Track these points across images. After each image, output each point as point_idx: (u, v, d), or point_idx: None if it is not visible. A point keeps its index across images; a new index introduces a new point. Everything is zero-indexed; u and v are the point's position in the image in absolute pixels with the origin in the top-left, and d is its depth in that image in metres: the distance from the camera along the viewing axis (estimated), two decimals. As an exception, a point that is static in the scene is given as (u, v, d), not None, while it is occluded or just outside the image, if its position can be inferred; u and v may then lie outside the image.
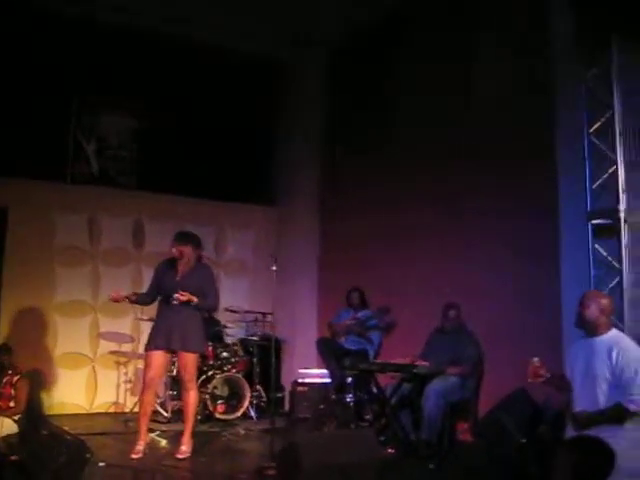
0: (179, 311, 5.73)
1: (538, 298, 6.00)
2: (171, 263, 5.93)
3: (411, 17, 7.83)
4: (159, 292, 5.91)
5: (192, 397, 5.90)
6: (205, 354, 7.78)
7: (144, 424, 5.84)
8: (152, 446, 6.16)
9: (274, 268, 5.70)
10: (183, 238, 5.95)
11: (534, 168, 6.17)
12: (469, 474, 5.05)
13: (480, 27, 6.91)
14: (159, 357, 5.78)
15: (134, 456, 5.60)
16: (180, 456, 5.69)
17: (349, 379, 6.87)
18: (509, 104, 6.49)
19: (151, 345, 5.78)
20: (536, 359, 4.32)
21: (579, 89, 5.68)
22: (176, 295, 5.59)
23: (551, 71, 5.99)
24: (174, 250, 5.86)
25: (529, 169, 6.23)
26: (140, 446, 5.69)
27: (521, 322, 6.09)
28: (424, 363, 5.91)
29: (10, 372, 6.14)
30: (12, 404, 5.89)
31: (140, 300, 6.07)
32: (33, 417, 5.75)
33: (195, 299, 5.64)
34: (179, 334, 5.72)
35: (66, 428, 5.68)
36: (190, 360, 5.83)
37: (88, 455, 4.62)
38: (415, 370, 5.80)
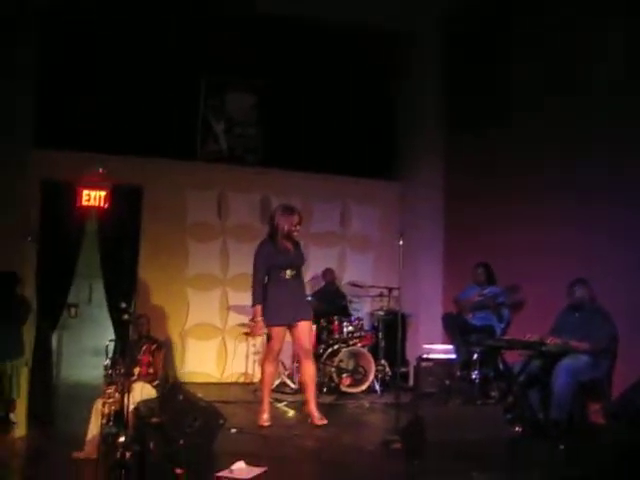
0: (294, 283, 5.93)
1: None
2: (270, 242, 5.98)
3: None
4: (272, 270, 5.94)
5: (313, 367, 6.07)
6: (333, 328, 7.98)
7: (269, 395, 6.07)
8: (280, 416, 6.35)
9: (401, 243, 5.67)
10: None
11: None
12: (601, 456, 4.88)
13: (601, 12, 6.54)
14: (284, 331, 5.95)
15: (265, 424, 5.81)
16: (321, 422, 5.86)
17: (475, 355, 6.77)
18: (631, 87, 6.11)
19: (278, 320, 5.88)
20: None
21: None
22: None
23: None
24: (298, 225, 6.00)
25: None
26: (268, 414, 5.91)
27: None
28: (556, 339, 5.72)
29: (148, 341, 6.47)
30: (150, 370, 6.21)
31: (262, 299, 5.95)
32: (170, 383, 6.04)
33: None
34: (301, 305, 5.94)
35: (200, 395, 5.92)
36: (311, 327, 6.07)
37: (221, 421, 4.82)
38: (544, 348, 5.64)
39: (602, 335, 5.71)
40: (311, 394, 6.00)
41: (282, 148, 9.38)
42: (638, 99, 6.09)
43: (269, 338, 6.08)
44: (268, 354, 6.07)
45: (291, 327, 5.97)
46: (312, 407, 5.96)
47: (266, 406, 5.96)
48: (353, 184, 9.59)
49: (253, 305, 5.96)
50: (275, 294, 5.92)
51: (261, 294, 5.91)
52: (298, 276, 6.04)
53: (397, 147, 9.89)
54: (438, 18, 9.20)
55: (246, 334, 8.21)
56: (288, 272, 5.90)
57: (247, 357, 8.63)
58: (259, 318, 5.87)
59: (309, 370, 6.02)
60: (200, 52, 9.06)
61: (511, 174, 7.72)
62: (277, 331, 5.92)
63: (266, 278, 5.97)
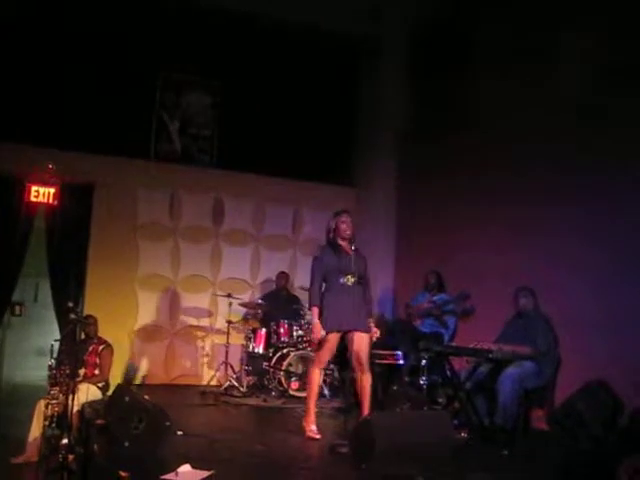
0: (355, 292, 5.61)
1: (627, 292, 5.75)
2: (330, 247, 5.78)
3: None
4: (331, 275, 5.67)
5: (369, 379, 5.68)
6: (282, 332, 7.95)
7: (314, 404, 5.76)
8: (230, 419, 6.31)
9: (353, 248, 5.68)
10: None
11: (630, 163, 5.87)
12: (543, 462, 4.98)
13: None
14: (336, 339, 5.63)
15: (316, 436, 5.50)
16: None
17: (423, 361, 6.83)
18: (600, 86, 6.22)
19: (330, 326, 5.55)
20: None
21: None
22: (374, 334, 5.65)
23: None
24: (350, 229, 5.81)
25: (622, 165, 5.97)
26: (316, 425, 5.62)
27: (608, 314, 5.87)
28: (501, 346, 5.79)
29: (95, 342, 6.37)
30: (97, 372, 6.12)
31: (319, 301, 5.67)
32: (116, 385, 5.95)
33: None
34: (360, 315, 5.61)
35: (146, 397, 5.85)
36: (368, 340, 5.67)
37: (167, 423, 4.75)
38: (490, 355, 5.72)
39: (542, 340, 5.85)
40: (364, 409, 5.63)
41: (237, 150, 9.32)
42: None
43: (319, 345, 5.68)
44: (319, 361, 5.73)
45: (347, 336, 5.65)
46: None
47: (313, 417, 5.67)
48: (307, 189, 9.61)
49: (310, 307, 5.73)
50: (330, 300, 5.64)
51: (318, 296, 5.65)
52: (359, 284, 5.67)
53: (353, 153, 9.94)
54: (404, 25, 9.25)
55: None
56: (349, 277, 5.60)
57: (196, 359, 8.57)
58: (316, 320, 5.58)
59: (364, 384, 5.67)
60: (157, 48, 8.94)
61: (463, 183, 7.82)
62: (327, 338, 5.57)
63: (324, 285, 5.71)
